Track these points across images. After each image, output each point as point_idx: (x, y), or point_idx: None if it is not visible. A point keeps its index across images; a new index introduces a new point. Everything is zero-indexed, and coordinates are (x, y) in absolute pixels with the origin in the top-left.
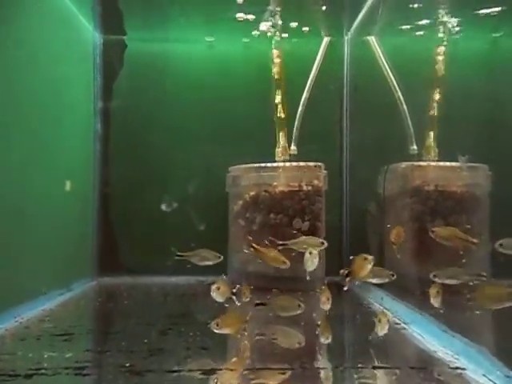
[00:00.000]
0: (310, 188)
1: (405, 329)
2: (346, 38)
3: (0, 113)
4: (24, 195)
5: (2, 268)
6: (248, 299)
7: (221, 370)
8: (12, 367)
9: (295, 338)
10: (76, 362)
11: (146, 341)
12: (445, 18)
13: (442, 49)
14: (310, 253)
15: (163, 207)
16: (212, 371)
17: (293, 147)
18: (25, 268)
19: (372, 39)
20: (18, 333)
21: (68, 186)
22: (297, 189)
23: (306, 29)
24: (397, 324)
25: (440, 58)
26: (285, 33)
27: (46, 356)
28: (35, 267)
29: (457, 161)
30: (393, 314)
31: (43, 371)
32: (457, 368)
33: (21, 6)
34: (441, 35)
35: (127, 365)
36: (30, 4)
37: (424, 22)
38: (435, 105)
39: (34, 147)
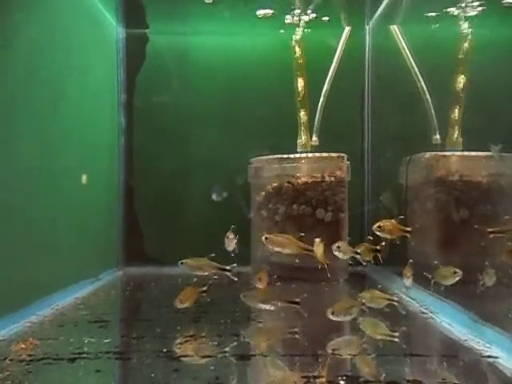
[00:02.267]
0: (332, 179)
1: (432, 318)
2: (367, 27)
3: (27, 105)
4: (52, 188)
5: (37, 259)
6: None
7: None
8: (56, 351)
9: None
10: (115, 347)
11: (178, 328)
12: (470, 5)
13: (467, 37)
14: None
15: (213, 197)
16: (246, 357)
17: (314, 138)
18: (57, 258)
19: (394, 28)
20: (56, 319)
21: (84, 179)
22: (320, 180)
23: (327, 18)
24: (424, 313)
25: (465, 46)
26: (306, 23)
27: (86, 341)
28: (67, 257)
29: (480, 150)
30: (419, 303)
31: (85, 355)
32: (489, 357)
33: (48, 2)
34: (466, 23)
35: (164, 350)
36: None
37: (449, 9)
38: (460, 94)
39: (62, 140)
